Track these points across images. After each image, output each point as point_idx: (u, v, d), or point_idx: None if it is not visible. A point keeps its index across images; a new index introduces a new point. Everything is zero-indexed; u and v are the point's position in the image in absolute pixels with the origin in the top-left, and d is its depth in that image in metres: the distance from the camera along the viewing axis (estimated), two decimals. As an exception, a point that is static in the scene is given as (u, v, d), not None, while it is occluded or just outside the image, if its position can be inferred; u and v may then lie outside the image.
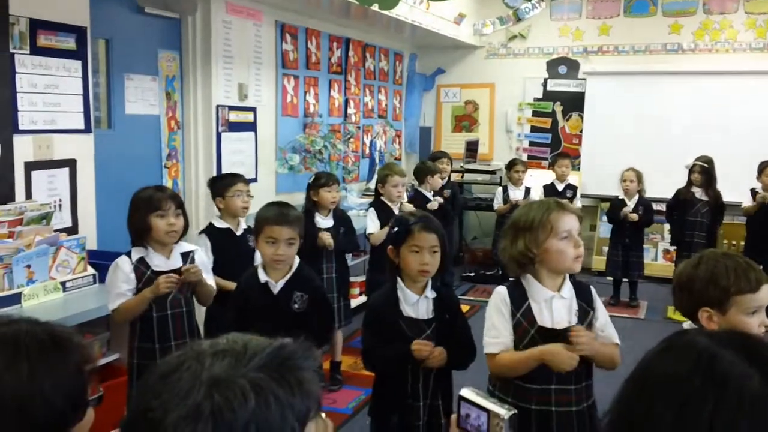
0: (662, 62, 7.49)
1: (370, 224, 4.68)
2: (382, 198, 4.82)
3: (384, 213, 4.67)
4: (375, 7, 5.06)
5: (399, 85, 7.97)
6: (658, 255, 7.39)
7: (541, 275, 2.22)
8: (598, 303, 2.32)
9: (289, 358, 0.79)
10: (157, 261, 2.88)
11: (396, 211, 4.65)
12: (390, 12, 5.55)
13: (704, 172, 6.06)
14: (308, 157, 5.62)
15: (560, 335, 2.15)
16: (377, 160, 7.04)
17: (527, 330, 2.19)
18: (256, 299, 2.73)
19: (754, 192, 5.94)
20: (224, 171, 4.67)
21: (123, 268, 2.84)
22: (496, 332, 2.22)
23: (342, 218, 4.49)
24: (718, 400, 0.82)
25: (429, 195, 5.61)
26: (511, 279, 2.32)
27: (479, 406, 1.12)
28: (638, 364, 0.96)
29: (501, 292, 2.27)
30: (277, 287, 2.74)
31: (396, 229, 2.52)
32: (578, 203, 6.80)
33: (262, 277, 2.75)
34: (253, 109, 5.36)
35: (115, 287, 2.84)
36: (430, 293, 2.49)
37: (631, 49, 7.63)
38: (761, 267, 5.64)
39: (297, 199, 4.87)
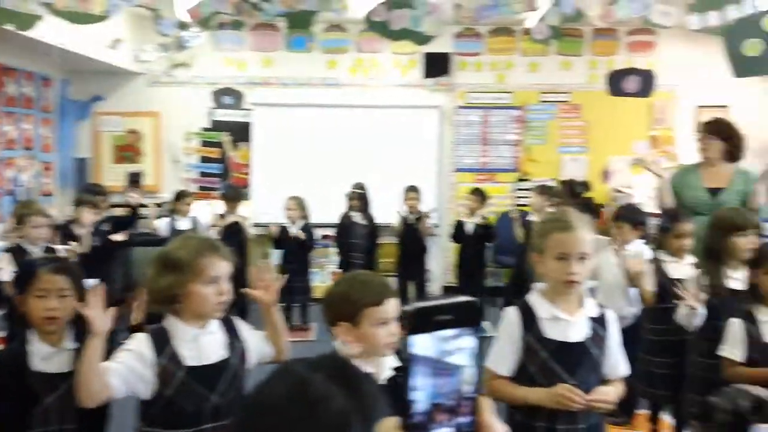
0: (322, 95, 7.90)
1: (2, 273, 4.15)
2: (20, 242, 4.30)
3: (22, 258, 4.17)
4: (11, 27, 4.58)
5: (48, 112, 7.29)
6: (327, 277, 7.74)
7: (184, 316, 2.12)
8: (246, 331, 2.27)
9: None
10: None
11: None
12: (30, 33, 5.05)
13: (360, 198, 6.49)
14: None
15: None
16: (22, 197, 6.35)
17: (174, 372, 2.07)
18: None
19: (400, 217, 6.50)
20: None
21: None
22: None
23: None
24: (311, 423, 0.86)
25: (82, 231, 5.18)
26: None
27: None
28: (249, 392, 1.00)
29: (140, 337, 2.11)
30: None
31: (18, 272, 2.24)
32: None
33: None
34: None
35: None
36: (72, 344, 2.24)
37: (294, 82, 7.93)
38: (414, 282, 6.04)
39: None
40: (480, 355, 0.60)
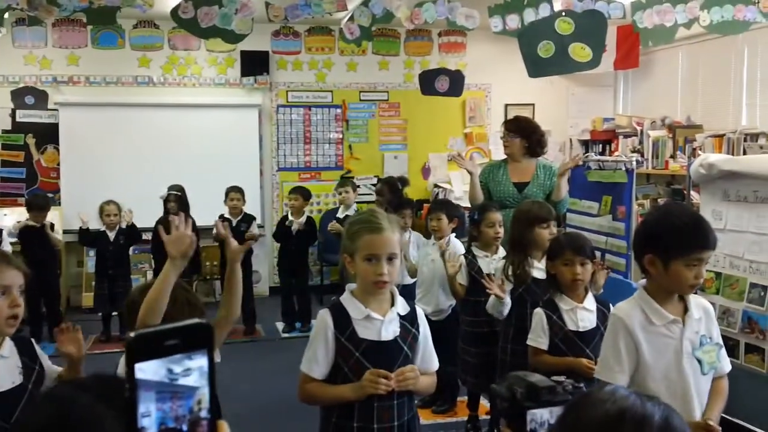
0: (134, 94, 7.57)
1: None
2: None
3: None
4: None
5: None
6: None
7: None
8: (44, 357, 2.14)
9: None
10: None
11: None
12: None
13: (178, 200, 6.27)
14: None
15: None
16: None
17: None
18: None
19: (222, 217, 6.36)
20: None
21: None
22: None
23: None
24: None
25: None
26: None
27: None
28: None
29: None
30: None
31: None
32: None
33: None
34: None
35: None
36: None
37: (103, 81, 7.54)
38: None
39: None
40: (212, 375, 0.59)
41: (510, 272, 3.38)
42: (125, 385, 0.91)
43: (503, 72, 8.04)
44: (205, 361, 0.58)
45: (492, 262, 3.79)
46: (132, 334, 0.56)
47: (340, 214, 6.44)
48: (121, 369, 1.91)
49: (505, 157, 4.84)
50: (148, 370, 0.55)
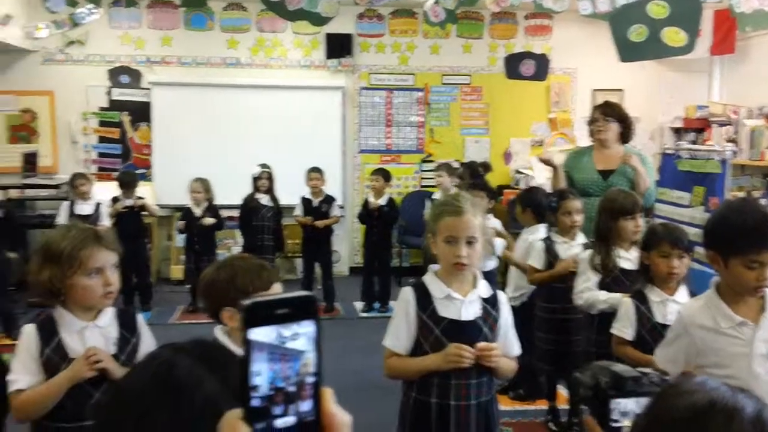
0: (223, 75, 7.77)
1: None
2: None
3: None
4: None
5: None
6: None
7: (71, 307, 2.08)
8: (144, 329, 2.22)
9: None
10: None
11: None
12: None
13: (269, 178, 6.44)
14: None
15: None
16: None
17: (59, 364, 2.03)
18: None
19: (304, 199, 6.47)
20: None
21: None
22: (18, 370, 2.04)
23: None
24: (174, 407, 0.84)
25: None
26: None
27: None
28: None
29: (28, 330, 2.07)
30: None
31: None
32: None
33: None
34: None
35: None
36: None
37: (194, 61, 7.77)
38: (320, 263, 5.95)
39: None
40: (319, 341, 0.63)
41: (596, 261, 3.33)
42: (227, 349, 0.96)
43: (590, 56, 7.86)
44: (312, 328, 0.62)
45: (570, 248, 3.74)
46: (247, 302, 0.61)
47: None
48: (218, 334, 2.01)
49: (589, 143, 4.73)
50: (260, 332, 0.60)
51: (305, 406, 0.62)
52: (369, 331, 5.16)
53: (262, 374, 0.60)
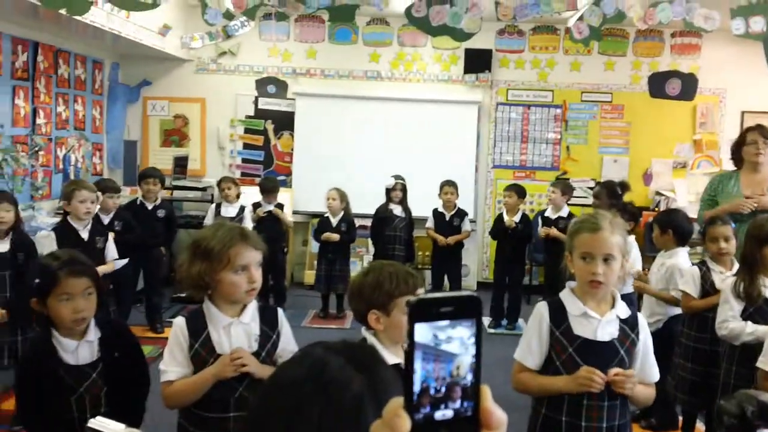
0: (364, 88, 7.98)
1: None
2: (68, 218, 4.47)
3: (68, 237, 4.31)
4: (64, 12, 4.74)
5: (99, 95, 7.52)
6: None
7: (218, 301, 2.21)
8: (285, 326, 2.31)
9: None
10: None
11: (85, 235, 4.36)
12: (84, 18, 5.22)
13: (404, 189, 6.55)
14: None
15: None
16: (72, 176, 6.56)
17: (206, 358, 2.16)
18: None
19: (436, 212, 6.53)
20: None
21: None
22: (169, 362, 2.19)
23: (22, 243, 4.00)
24: (325, 403, 0.89)
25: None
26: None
27: None
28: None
29: (179, 323, 2.21)
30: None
31: (37, 280, 2.27)
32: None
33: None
34: None
35: None
36: (94, 335, 2.31)
37: (336, 74, 8.02)
38: (449, 276, 5.94)
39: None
40: (477, 346, 0.65)
41: (741, 290, 3.17)
42: (374, 352, 1.00)
43: (740, 76, 7.47)
44: (467, 331, 0.65)
45: (726, 278, 3.54)
46: (414, 299, 0.64)
47: (550, 214, 6.29)
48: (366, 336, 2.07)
49: (733, 168, 4.51)
50: (418, 332, 0.63)
51: (458, 405, 0.64)
52: (495, 347, 5.11)
53: (416, 372, 0.63)
